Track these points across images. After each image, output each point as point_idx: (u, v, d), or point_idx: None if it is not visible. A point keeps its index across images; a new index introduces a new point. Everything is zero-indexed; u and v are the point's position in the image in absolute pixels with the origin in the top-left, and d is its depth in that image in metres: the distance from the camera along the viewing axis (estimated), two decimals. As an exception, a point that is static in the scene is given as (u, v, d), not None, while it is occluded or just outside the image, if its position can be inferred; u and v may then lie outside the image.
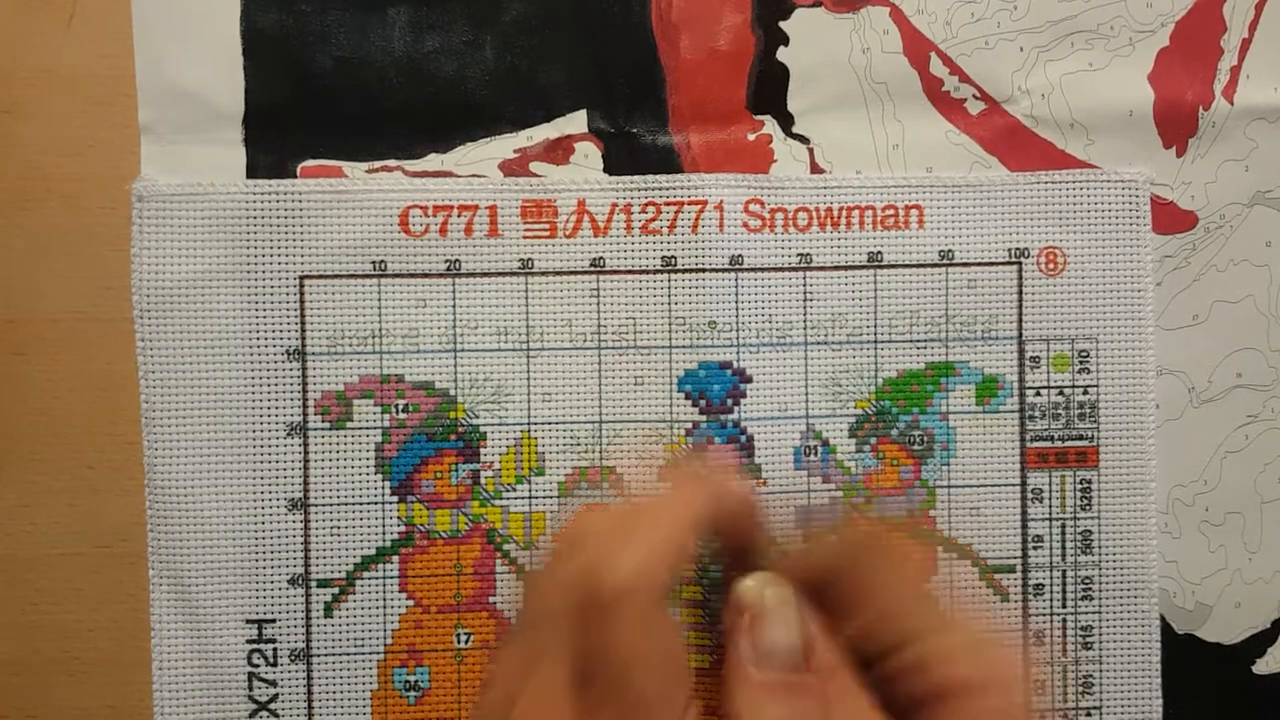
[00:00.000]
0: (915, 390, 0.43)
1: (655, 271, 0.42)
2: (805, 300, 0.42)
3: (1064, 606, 0.43)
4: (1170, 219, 0.44)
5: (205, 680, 0.41)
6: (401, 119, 0.42)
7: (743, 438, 0.42)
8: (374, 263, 0.41)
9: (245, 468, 0.41)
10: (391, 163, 0.42)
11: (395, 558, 0.42)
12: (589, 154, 0.42)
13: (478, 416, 0.42)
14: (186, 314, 0.41)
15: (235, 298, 0.41)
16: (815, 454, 0.43)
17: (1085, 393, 0.43)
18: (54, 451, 0.42)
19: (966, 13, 0.43)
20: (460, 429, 0.42)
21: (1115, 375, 0.43)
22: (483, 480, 0.42)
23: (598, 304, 0.42)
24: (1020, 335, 0.43)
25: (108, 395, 0.42)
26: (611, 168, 0.42)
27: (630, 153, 0.42)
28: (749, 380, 0.42)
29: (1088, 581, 0.43)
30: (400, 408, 0.42)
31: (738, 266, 0.42)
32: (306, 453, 0.41)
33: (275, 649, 0.41)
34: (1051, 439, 0.43)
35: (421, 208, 0.42)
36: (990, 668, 0.26)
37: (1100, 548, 0.43)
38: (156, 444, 0.41)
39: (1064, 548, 0.43)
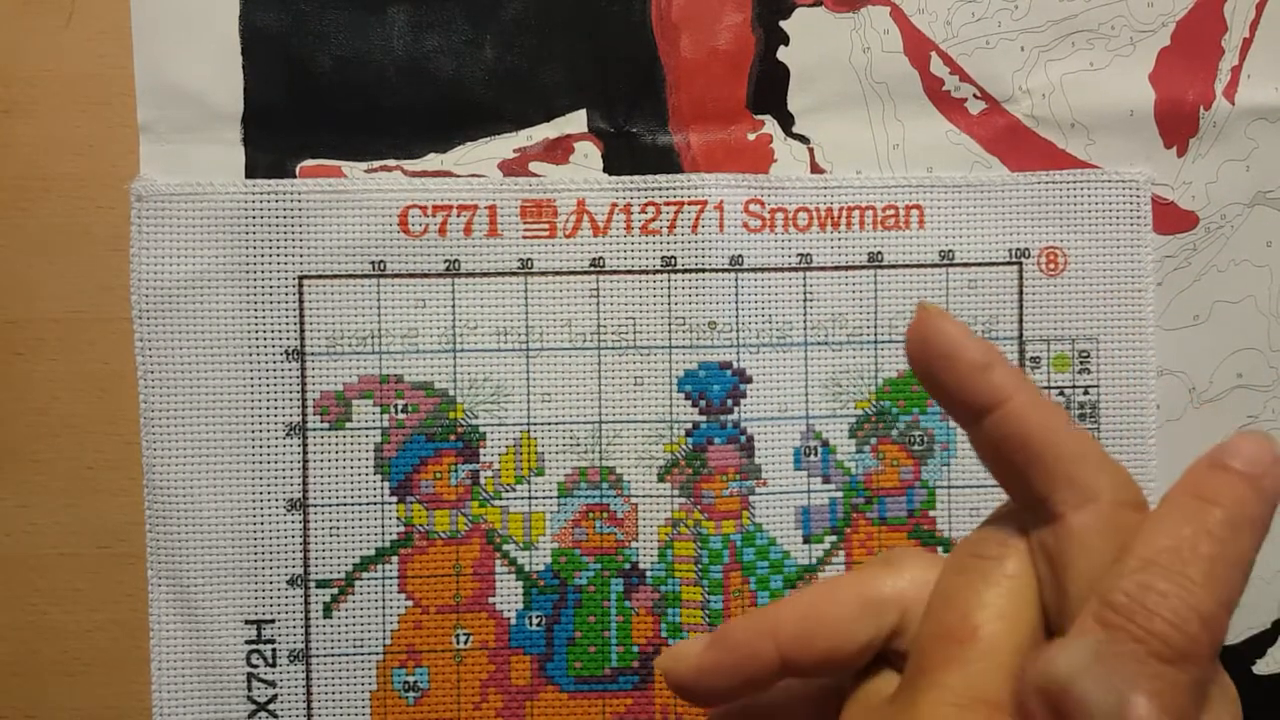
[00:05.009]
0: (915, 390, 0.43)
1: (655, 271, 0.42)
2: (805, 300, 0.42)
3: (1064, 607, 0.43)
4: (1171, 219, 0.43)
5: (204, 680, 0.41)
6: (401, 119, 0.42)
7: (743, 438, 0.42)
8: (373, 263, 0.41)
9: (244, 468, 0.41)
10: (391, 162, 0.42)
11: (394, 558, 0.42)
12: (589, 154, 0.42)
13: (477, 417, 0.42)
14: (185, 314, 0.41)
15: (234, 298, 0.41)
16: (815, 454, 0.43)
17: (1086, 393, 0.43)
18: (54, 451, 0.42)
19: (967, 12, 0.43)
20: (460, 429, 0.42)
21: (1116, 376, 0.43)
22: (482, 480, 0.42)
23: (597, 304, 0.42)
24: (1021, 335, 0.43)
25: (107, 395, 0.41)
26: (611, 168, 0.42)
27: (630, 153, 0.42)
28: (749, 380, 0.42)
29: (1088, 582, 0.43)
30: (399, 408, 0.42)
31: (738, 267, 0.42)
32: (305, 453, 0.41)
33: (274, 649, 0.41)
34: (1052, 439, 0.43)
35: (421, 208, 0.41)
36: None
37: (1100, 548, 0.43)
38: (155, 444, 0.41)
39: (1064, 548, 0.43)
